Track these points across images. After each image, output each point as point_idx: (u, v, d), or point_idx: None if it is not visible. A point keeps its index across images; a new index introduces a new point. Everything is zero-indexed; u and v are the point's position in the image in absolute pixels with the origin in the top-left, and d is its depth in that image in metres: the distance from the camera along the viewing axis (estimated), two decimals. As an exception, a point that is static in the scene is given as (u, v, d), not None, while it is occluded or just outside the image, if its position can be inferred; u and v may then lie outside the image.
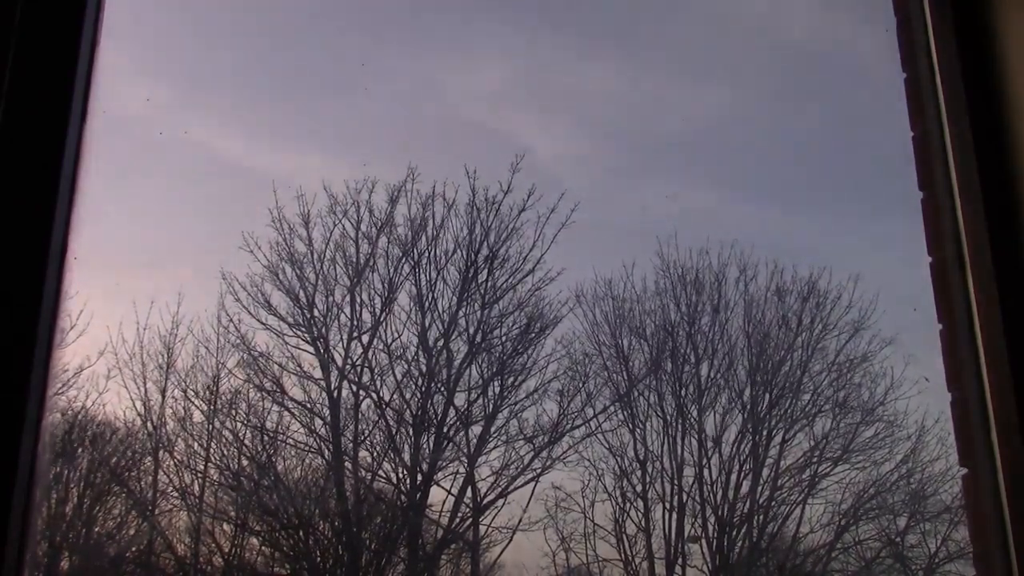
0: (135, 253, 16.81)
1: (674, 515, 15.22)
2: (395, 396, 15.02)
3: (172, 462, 14.54)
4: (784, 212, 19.83)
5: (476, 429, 15.05)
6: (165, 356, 14.81)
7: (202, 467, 14.57)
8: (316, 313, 15.20)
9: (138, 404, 14.54)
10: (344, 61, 18.27)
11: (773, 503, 15.43)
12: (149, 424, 14.62)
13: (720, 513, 15.26)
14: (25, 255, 1.43)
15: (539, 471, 15.00)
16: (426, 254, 15.53)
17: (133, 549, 14.44)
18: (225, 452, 14.63)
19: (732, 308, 16.32)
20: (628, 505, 15.36)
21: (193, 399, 14.74)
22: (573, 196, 18.89)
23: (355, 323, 15.21)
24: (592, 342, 16.06)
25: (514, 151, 18.58)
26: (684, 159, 19.40)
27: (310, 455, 14.85)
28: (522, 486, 14.91)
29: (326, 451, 14.76)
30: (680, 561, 15.13)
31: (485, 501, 14.76)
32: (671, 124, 19.35)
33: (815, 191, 19.15)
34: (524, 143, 20.13)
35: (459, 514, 14.68)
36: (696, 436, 15.66)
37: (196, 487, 14.49)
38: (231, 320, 14.99)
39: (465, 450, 14.95)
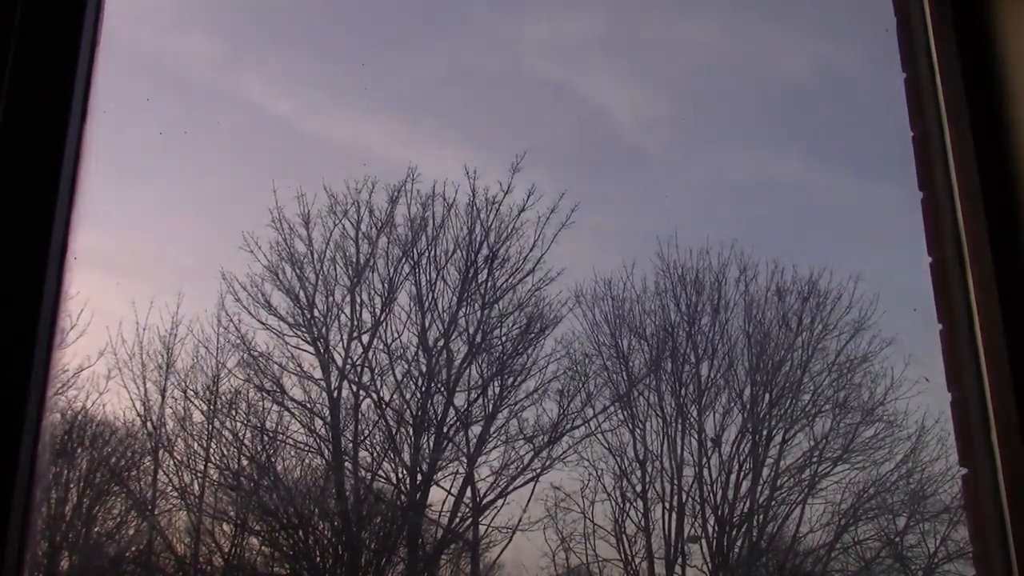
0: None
1: (674, 515, 15.22)
2: (395, 396, 15.03)
3: (172, 462, 14.56)
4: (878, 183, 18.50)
5: (476, 429, 15.07)
6: (165, 356, 14.83)
7: (202, 467, 14.58)
8: (316, 313, 15.22)
9: (138, 404, 14.56)
10: (417, 16, 17.44)
11: (773, 503, 15.44)
12: (149, 424, 14.64)
13: (720, 513, 15.26)
14: (25, 255, 1.43)
15: (539, 471, 15.02)
16: (426, 254, 15.54)
17: (133, 549, 14.44)
18: (225, 452, 14.65)
19: (732, 308, 16.34)
20: (628, 505, 15.38)
21: (193, 399, 14.76)
22: (644, 159, 18.08)
23: (355, 323, 15.22)
24: (592, 342, 16.08)
25: (587, 113, 18.05)
26: (771, 123, 18.16)
27: (310, 455, 14.87)
28: (522, 486, 14.93)
29: (326, 451, 14.77)
30: (680, 561, 15.13)
31: (485, 501, 14.77)
32: (763, 83, 18.08)
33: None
34: (599, 103, 19.07)
35: (459, 514, 14.69)
36: (696, 436, 15.66)
37: (196, 487, 14.50)
38: (231, 320, 15.01)
39: (465, 450, 14.95)
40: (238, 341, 14.96)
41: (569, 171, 18.92)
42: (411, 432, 14.92)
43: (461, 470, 14.83)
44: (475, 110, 18.55)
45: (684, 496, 15.35)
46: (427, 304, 15.34)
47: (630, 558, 15.20)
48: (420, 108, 18.23)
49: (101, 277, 14.06)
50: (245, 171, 18.17)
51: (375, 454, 14.90)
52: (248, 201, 17.09)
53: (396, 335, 15.23)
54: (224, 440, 14.64)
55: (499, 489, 14.84)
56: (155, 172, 17.07)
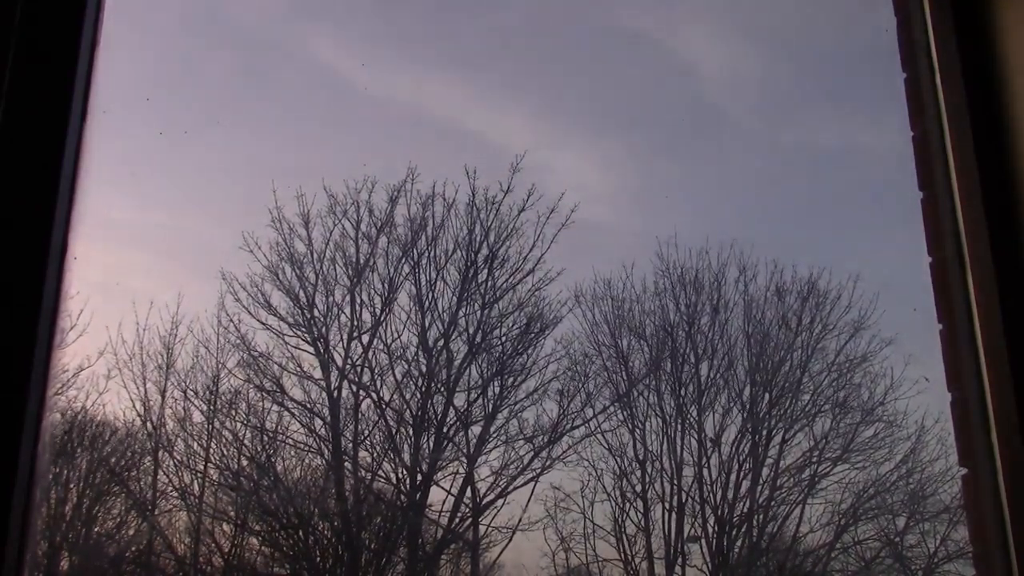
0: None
1: (674, 515, 15.22)
2: (395, 396, 15.03)
3: (172, 462, 14.56)
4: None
5: (476, 429, 15.07)
6: (165, 356, 14.83)
7: (202, 467, 14.58)
8: (316, 313, 15.22)
9: (138, 404, 14.57)
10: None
11: (773, 503, 15.44)
12: (149, 424, 14.64)
13: (720, 513, 15.26)
14: (25, 255, 1.43)
15: (539, 471, 15.03)
16: (426, 254, 15.54)
17: (133, 549, 14.44)
18: (225, 452, 14.65)
19: (732, 308, 16.34)
20: (628, 505, 15.38)
21: (193, 399, 14.76)
22: (726, 122, 17.13)
23: (355, 323, 15.22)
24: (592, 342, 16.08)
25: (673, 71, 17.23)
26: (865, 84, 16.94)
27: (310, 455, 14.87)
28: (522, 486, 14.93)
29: (326, 451, 14.77)
30: (680, 561, 15.13)
31: (485, 501, 14.77)
32: (866, 39, 16.54)
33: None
34: (686, 60, 18.00)
35: (459, 514, 14.69)
36: (696, 436, 15.67)
37: (196, 487, 14.50)
38: (231, 320, 15.01)
39: (465, 450, 14.95)
40: (238, 341, 14.98)
41: (646, 133, 18.06)
42: (411, 432, 14.93)
43: (461, 470, 14.84)
44: (550, 65, 17.52)
45: (684, 496, 15.37)
46: (427, 304, 15.35)
47: (630, 558, 15.22)
48: (488, 64, 17.40)
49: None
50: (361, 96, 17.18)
51: (375, 454, 14.91)
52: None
53: (396, 335, 15.25)
54: (224, 440, 14.66)
55: (499, 489, 14.86)
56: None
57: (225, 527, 14.53)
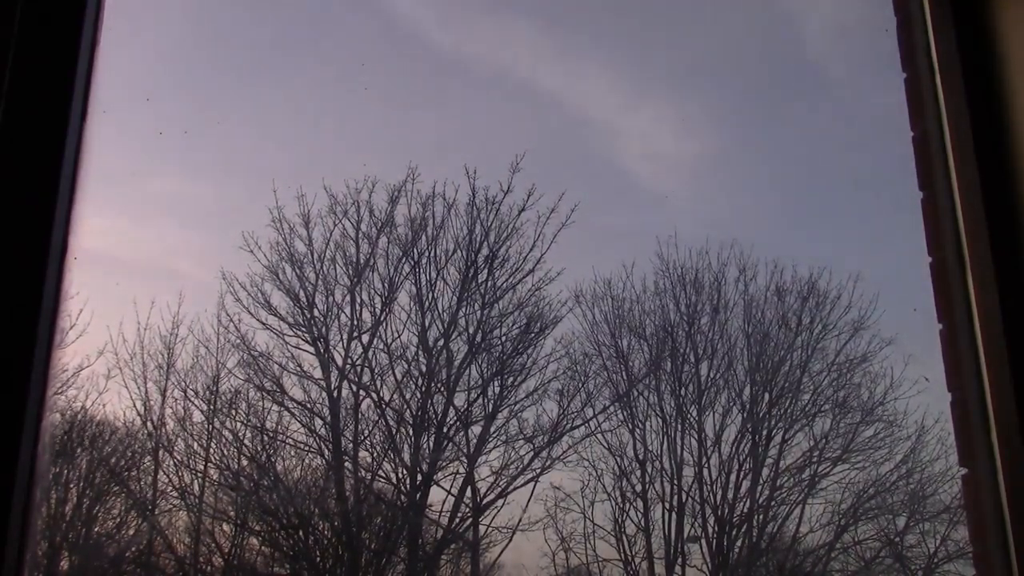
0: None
1: (674, 515, 15.22)
2: (395, 396, 15.03)
3: (172, 462, 14.56)
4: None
5: (476, 429, 15.07)
6: (165, 356, 14.84)
7: (202, 467, 14.58)
8: (316, 313, 15.22)
9: (138, 404, 14.57)
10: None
11: (773, 503, 15.44)
12: (149, 424, 14.64)
13: (720, 513, 15.25)
14: (25, 255, 1.43)
15: (539, 471, 15.03)
16: (426, 254, 15.54)
17: (133, 549, 14.44)
18: (225, 452, 14.65)
19: (732, 308, 16.33)
20: (628, 505, 15.38)
21: (193, 399, 14.76)
22: (823, 81, 16.30)
23: (355, 323, 15.22)
24: (592, 342, 16.08)
25: (777, 21, 16.37)
26: None
27: (310, 455, 14.87)
28: (522, 486, 14.93)
29: (326, 451, 14.77)
30: (680, 561, 15.13)
31: (485, 501, 14.77)
32: None
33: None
34: (786, 9, 16.89)
35: (459, 514, 14.69)
36: (696, 436, 15.66)
37: (196, 487, 14.50)
38: (231, 320, 15.01)
39: (465, 450, 14.95)
40: (238, 341, 14.99)
41: (737, 90, 17.12)
42: (411, 432, 14.92)
43: (461, 470, 14.84)
44: (630, 16, 16.40)
45: (684, 496, 15.37)
46: (427, 304, 15.35)
47: (630, 558, 15.21)
48: (564, 14, 16.61)
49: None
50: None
51: (375, 454, 14.91)
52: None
53: (396, 335, 15.25)
54: (224, 440, 14.66)
55: (499, 489, 14.86)
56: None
57: (225, 527, 14.54)
